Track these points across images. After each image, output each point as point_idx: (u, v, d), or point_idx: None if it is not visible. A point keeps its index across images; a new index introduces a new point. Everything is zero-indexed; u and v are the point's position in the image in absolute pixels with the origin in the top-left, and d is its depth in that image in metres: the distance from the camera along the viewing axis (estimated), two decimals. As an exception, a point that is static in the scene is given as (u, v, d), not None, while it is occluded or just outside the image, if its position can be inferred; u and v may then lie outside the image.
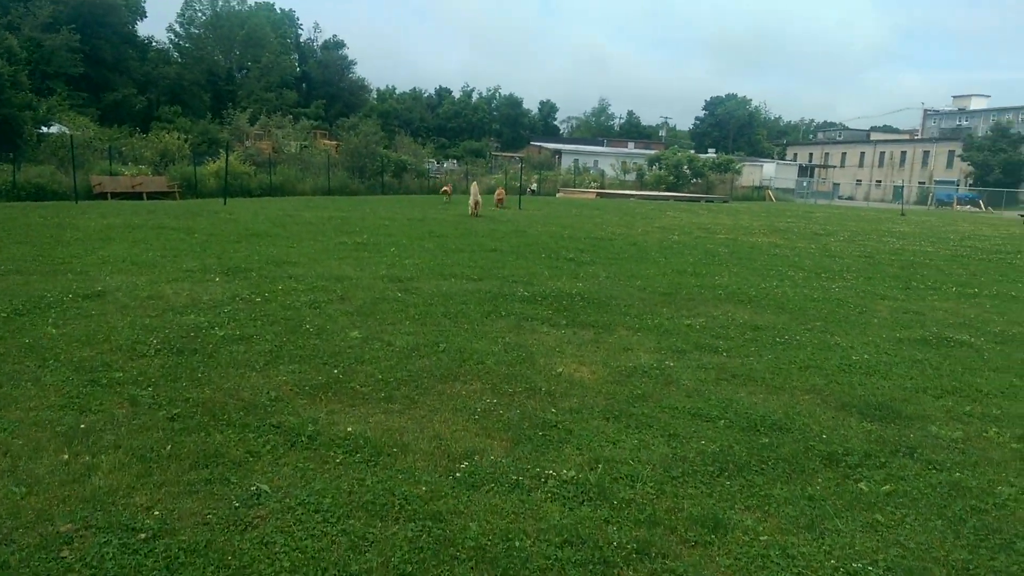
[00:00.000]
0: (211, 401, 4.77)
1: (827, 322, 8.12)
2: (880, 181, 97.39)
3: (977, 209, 66.03)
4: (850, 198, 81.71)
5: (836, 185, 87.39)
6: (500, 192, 27.80)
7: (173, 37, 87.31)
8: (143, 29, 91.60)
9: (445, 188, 32.14)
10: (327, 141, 61.17)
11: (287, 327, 6.72)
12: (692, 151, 66.10)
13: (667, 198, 43.06)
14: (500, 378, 5.51)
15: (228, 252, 11.79)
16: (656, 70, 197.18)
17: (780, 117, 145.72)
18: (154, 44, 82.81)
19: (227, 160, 25.95)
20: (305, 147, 43.74)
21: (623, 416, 4.82)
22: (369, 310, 7.58)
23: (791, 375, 5.94)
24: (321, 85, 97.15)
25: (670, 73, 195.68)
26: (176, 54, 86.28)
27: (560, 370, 5.78)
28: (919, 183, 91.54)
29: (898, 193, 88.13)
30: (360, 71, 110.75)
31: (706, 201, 44.92)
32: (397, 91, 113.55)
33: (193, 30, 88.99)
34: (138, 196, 26.83)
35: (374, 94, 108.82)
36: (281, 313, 7.27)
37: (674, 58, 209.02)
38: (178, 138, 34.01)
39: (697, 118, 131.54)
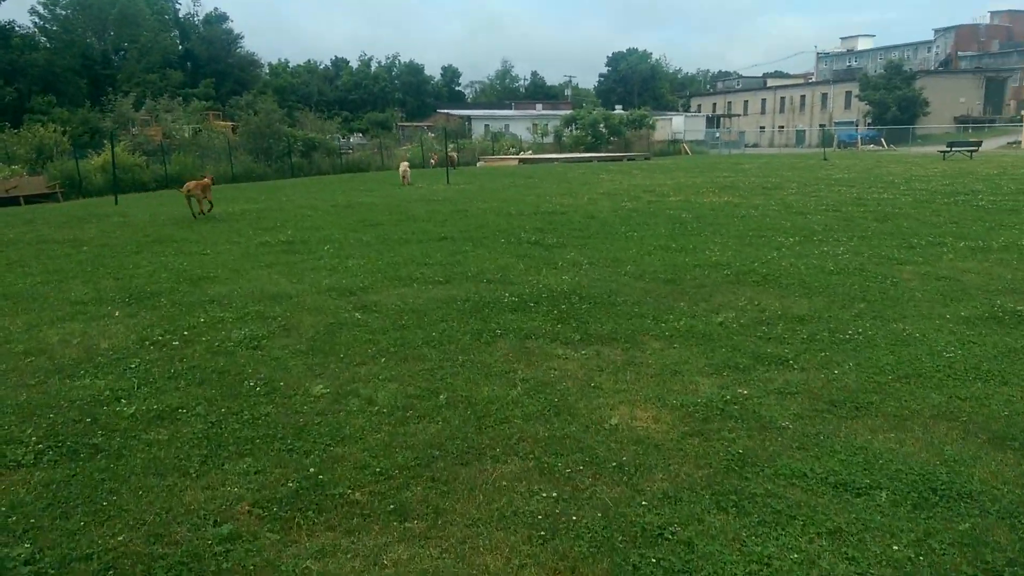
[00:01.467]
0: (125, 554, 3.05)
1: (869, 303, 6.89)
2: (783, 127, 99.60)
3: (880, 147, 67.87)
4: (755, 145, 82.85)
5: (742, 133, 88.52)
6: (404, 167, 25.67)
7: (37, 20, 79.82)
8: (1, 14, 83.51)
9: (192, 185, 16.67)
10: (222, 122, 57.18)
11: (223, 387, 4.95)
12: (603, 108, 65.13)
13: (590, 159, 41.92)
14: (541, 446, 3.97)
15: (127, 269, 9.69)
16: (554, 29, 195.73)
17: (680, 69, 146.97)
18: (17, 29, 75.41)
19: (113, 152, 22.95)
20: (199, 131, 40.35)
21: (741, 501, 3.37)
22: (326, 344, 5.85)
23: (899, 393, 4.63)
24: (208, 63, 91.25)
25: (568, 32, 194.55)
26: (44, 39, 78.96)
27: (614, 421, 4.28)
28: (820, 125, 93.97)
29: (800, 137, 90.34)
30: (248, 45, 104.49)
31: (628, 159, 44.05)
32: (291, 64, 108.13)
33: (59, 11, 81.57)
34: (14, 201, 23.61)
35: (266, 69, 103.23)
36: (210, 363, 5.47)
37: (571, 16, 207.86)
38: (55, 130, 30.37)
39: (601, 75, 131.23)
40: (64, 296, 8.04)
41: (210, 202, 16.50)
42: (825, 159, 36.22)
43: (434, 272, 8.74)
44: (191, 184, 16.30)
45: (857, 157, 42.18)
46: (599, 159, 42.39)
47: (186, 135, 39.08)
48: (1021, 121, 79.62)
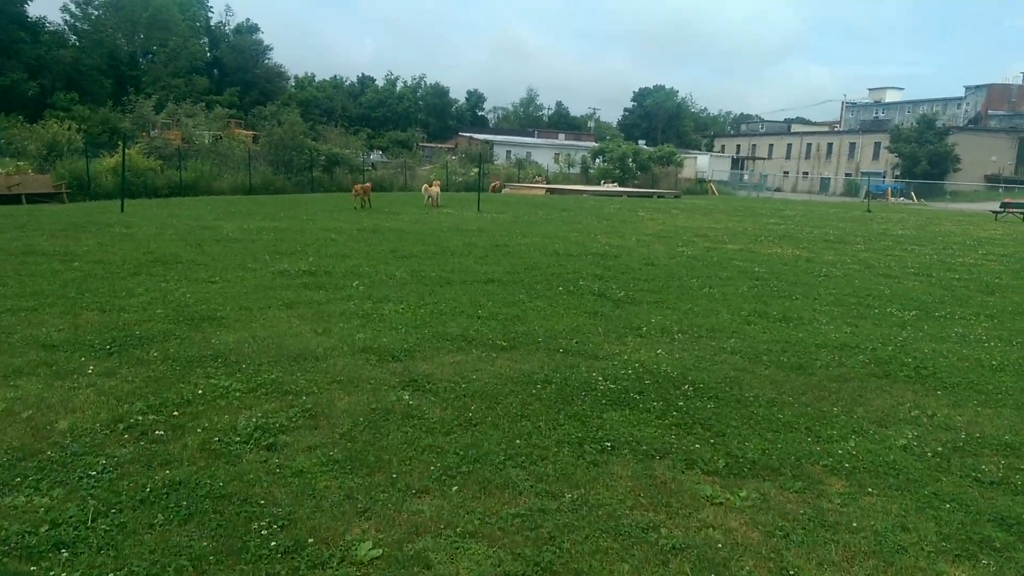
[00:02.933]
0: None
1: (1084, 423, 5.17)
2: (807, 173, 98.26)
3: (910, 201, 66.15)
4: (779, 190, 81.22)
5: (764, 176, 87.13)
6: (432, 189, 24.50)
7: (68, 18, 79.51)
8: (33, 9, 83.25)
9: (431, 186, 25.43)
10: (243, 131, 56.10)
11: (219, 533, 3.24)
12: (638, 143, 63.82)
13: (620, 194, 40.39)
14: None
15: (118, 297, 8.05)
16: (579, 62, 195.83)
17: (705, 109, 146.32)
18: (47, 25, 75.02)
19: (124, 154, 21.44)
20: (220, 138, 39.04)
21: None
22: (369, 450, 4.15)
23: None
24: (235, 71, 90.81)
25: (592, 65, 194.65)
26: (73, 37, 78.56)
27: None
28: (846, 174, 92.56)
29: (825, 185, 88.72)
30: (276, 57, 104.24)
31: (658, 196, 42.52)
32: (316, 79, 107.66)
33: (91, 11, 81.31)
34: (15, 199, 22.14)
35: (292, 82, 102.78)
36: (205, 476, 3.76)
37: (595, 50, 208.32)
38: (68, 128, 29.02)
39: (626, 109, 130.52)
40: (32, 333, 6.38)
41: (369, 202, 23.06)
42: (868, 211, 34.54)
43: (491, 331, 7.05)
44: (359, 187, 23.70)
45: (900, 210, 40.49)
46: (628, 194, 40.84)
47: (206, 141, 37.81)
48: (1054, 183, 78.05)
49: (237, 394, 4.93)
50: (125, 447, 4.08)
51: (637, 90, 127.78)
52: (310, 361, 5.81)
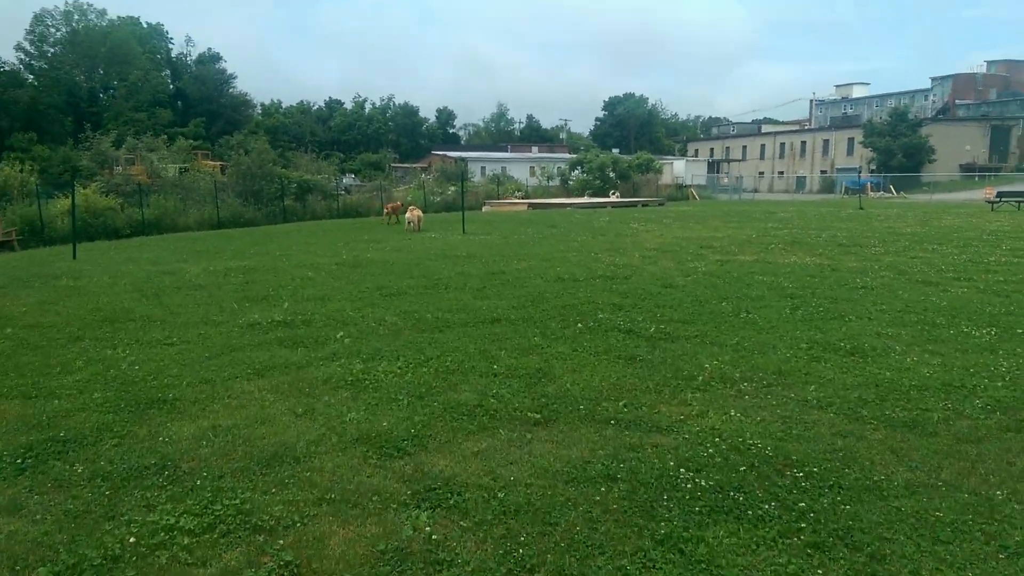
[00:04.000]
0: None
1: None
2: (783, 172, 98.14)
3: (889, 195, 65.70)
4: (755, 191, 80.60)
5: (739, 178, 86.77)
6: (415, 214, 23.16)
7: (24, 57, 77.33)
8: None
9: (390, 206, 28.49)
10: (210, 162, 54.42)
11: None
12: (612, 151, 62.85)
13: (604, 204, 39.20)
14: None
15: (49, 376, 6.55)
16: (545, 74, 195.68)
17: (676, 114, 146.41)
18: (2, 66, 72.75)
19: (74, 194, 19.73)
20: (185, 170, 37.37)
21: None
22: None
23: None
24: (199, 102, 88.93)
25: (559, 77, 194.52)
26: (30, 76, 76.31)
27: None
28: (821, 172, 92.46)
29: (801, 183, 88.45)
30: (241, 86, 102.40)
31: (643, 205, 41.43)
32: (283, 105, 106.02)
33: (47, 48, 79.19)
34: (-40, 250, 20.41)
35: (258, 109, 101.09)
36: None
37: (559, 62, 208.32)
38: (21, 170, 27.27)
39: (597, 119, 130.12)
40: (-76, 442, 4.89)
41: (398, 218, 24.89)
42: (862, 208, 33.61)
43: (515, 395, 5.65)
44: (389, 206, 27.07)
45: (890, 205, 39.68)
46: (613, 204, 39.68)
47: (171, 174, 36.13)
48: (1029, 169, 78.20)
49: (185, 540, 3.48)
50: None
51: (607, 99, 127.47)
52: (288, 465, 4.37)
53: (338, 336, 7.97)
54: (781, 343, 7.30)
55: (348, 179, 72.74)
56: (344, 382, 6.15)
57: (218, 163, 50.20)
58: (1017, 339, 7.39)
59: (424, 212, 24.92)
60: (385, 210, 27.96)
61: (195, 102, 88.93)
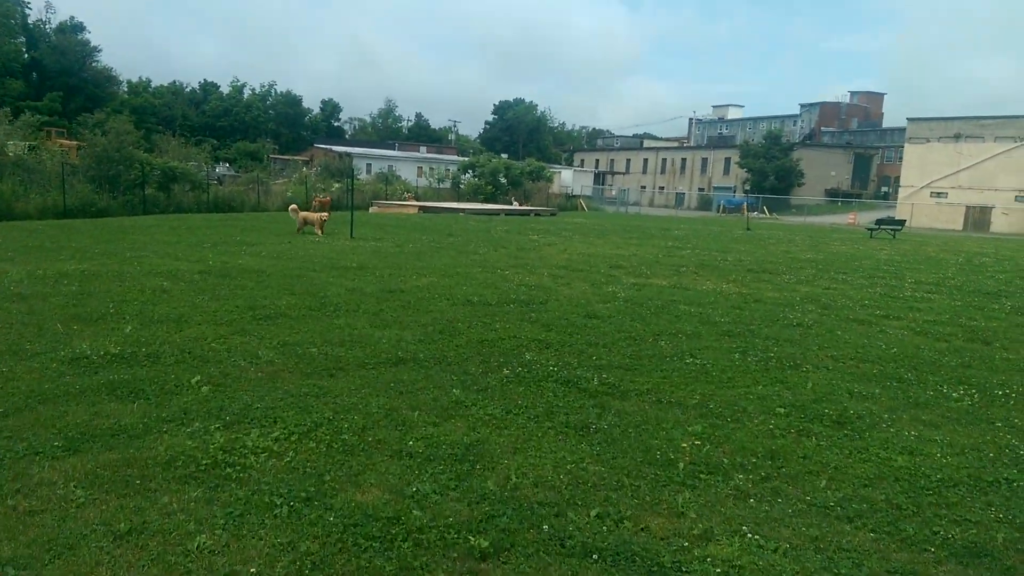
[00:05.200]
0: None
1: None
2: (663, 187, 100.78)
3: (763, 216, 68.43)
4: (636, 204, 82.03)
5: (624, 191, 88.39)
6: (316, 217, 20.61)
7: None
8: None
9: (318, 200, 29.26)
10: (65, 141, 49.00)
11: None
12: (501, 156, 61.84)
13: (497, 211, 37.94)
14: None
15: None
16: (434, 73, 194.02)
17: (563, 123, 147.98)
18: None
19: None
20: (33, 148, 32.86)
21: None
22: None
23: None
24: (57, 75, 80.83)
25: (448, 77, 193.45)
26: None
27: None
28: (699, 189, 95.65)
29: (680, 199, 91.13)
30: (106, 60, 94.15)
31: (535, 214, 40.52)
32: (153, 84, 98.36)
33: None
34: None
35: (124, 86, 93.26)
36: None
37: (449, 61, 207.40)
38: None
39: (487, 122, 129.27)
40: None
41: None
42: (749, 229, 34.05)
43: (446, 497, 4.05)
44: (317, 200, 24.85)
45: (774, 226, 40.70)
46: (507, 212, 38.50)
47: (17, 153, 31.62)
48: (885, 197, 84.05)
49: None
50: None
51: (498, 103, 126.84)
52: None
53: (193, 381, 6.06)
54: (751, 405, 6.07)
55: (222, 168, 68.01)
56: (196, 468, 4.34)
57: (75, 143, 45.13)
58: (1000, 404, 6.52)
59: (306, 210, 22.70)
60: (313, 205, 28.60)
61: (52, 74, 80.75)
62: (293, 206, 21.17)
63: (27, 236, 17.27)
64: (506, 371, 6.82)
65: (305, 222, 20.07)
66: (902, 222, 33.19)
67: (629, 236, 25.51)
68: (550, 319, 9.41)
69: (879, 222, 32.99)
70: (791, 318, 10.37)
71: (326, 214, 20.85)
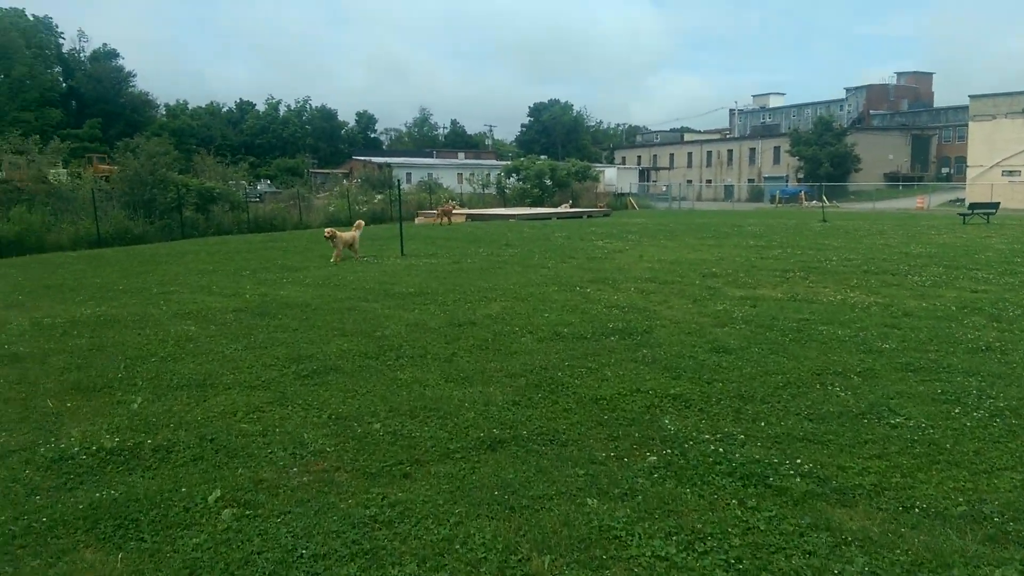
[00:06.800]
0: None
1: None
2: (710, 181, 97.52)
3: (822, 204, 65.10)
4: (684, 199, 79.19)
5: (667, 186, 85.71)
6: (349, 235, 17.14)
7: None
8: None
9: (441, 209, 31.03)
10: (105, 167, 48.47)
11: None
12: (540, 158, 59.76)
13: (548, 215, 35.90)
14: None
15: None
16: (466, 79, 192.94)
17: (601, 122, 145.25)
18: None
19: None
20: (75, 176, 31.85)
21: None
22: None
23: None
24: (95, 102, 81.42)
25: (480, 82, 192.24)
26: None
27: None
28: (748, 180, 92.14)
29: (729, 192, 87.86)
30: (142, 85, 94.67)
31: (587, 216, 38.36)
32: (190, 106, 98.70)
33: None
34: None
35: (162, 110, 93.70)
36: None
37: (478, 66, 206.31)
38: None
39: (523, 125, 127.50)
40: None
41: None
42: (824, 220, 31.40)
43: None
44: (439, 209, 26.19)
45: (854, 216, 37.80)
46: (558, 216, 36.44)
47: (61, 180, 30.63)
48: (948, 179, 79.73)
49: None
50: None
51: (533, 105, 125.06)
52: None
53: (211, 500, 4.16)
54: (1054, 512, 3.92)
55: (263, 185, 67.35)
56: None
57: (115, 167, 44.44)
58: None
59: (351, 224, 20.87)
60: (436, 211, 30.63)
61: (90, 102, 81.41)
62: (329, 229, 17.23)
63: (49, 272, 15.79)
64: (650, 456, 4.78)
65: (347, 245, 17.11)
66: (996, 204, 30.16)
67: (701, 236, 23.21)
68: (668, 357, 7.33)
69: (972, 206, 30.01)
70: (969, 339, 8.10)
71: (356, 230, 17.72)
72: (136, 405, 6.01)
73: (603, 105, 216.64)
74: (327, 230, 16.83)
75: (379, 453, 4.89)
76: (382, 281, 13.02)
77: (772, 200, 74.46)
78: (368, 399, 6.07)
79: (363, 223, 18.40)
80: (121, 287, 12.88)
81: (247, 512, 4.05)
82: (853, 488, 4.26)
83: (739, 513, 3.96)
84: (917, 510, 3.98)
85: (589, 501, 4.12)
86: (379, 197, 40.88)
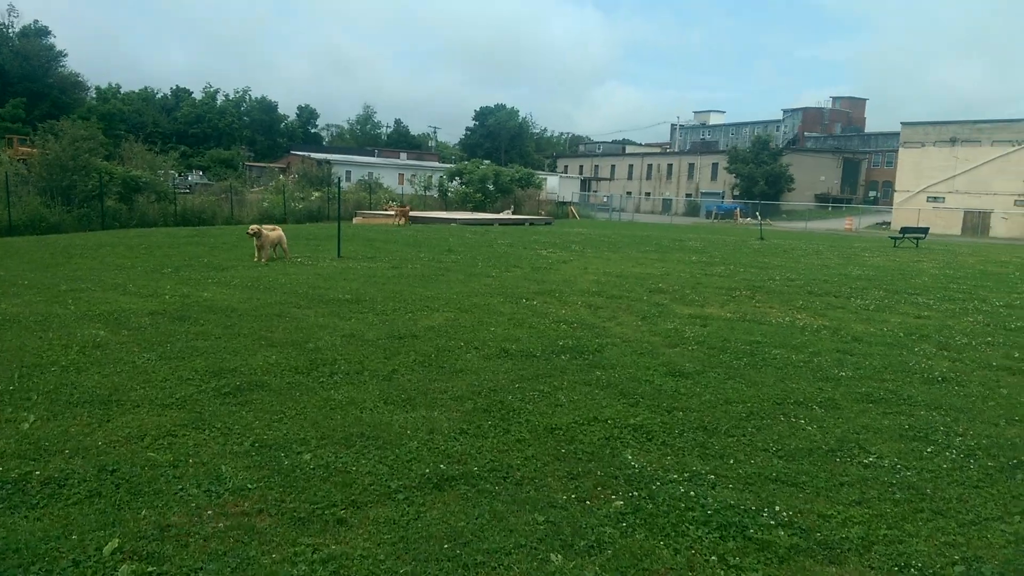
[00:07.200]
0: None
1: None
2: (649, 193, 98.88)
3: (755, 221, 66.56)
4: (622, 210, 79.86)
5: (608, 197, 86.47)
6: (272, 235, 15.90)
7: None
8: None
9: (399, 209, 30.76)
10: (27, 149, 45.71)
11: None
12: (491, 163, 59.31)
13: (491, 221, 35.40)
14: None
15: None
16: (411, 79, 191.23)
17: (545, 129, 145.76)
18: None
19: None
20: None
21: None
22: None
23: None
24: (20, 80, 77.04)
25: (425, 83, 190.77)
26: None
27: None
28: (686, 195, 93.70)
29: (668, 205, 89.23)
30: (73, 65, 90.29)
31: (530, 223, 38.04)
32: (123, 90, 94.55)
33: None
34: None
35: (92, 92, 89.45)
36: None
37: (426, 66, 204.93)
38: None
39: (468, 128, 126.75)
40: None
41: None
42: (762, 239, 31.83)
43: None
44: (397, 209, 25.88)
45: (788, 235, 38.58)
46: (500, 222, 35.98)
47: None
48: (875, 202, 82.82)
49: None
50: None
51: (479, 109, 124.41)
52: None
53: (107, 552, 3.49)
54: (1055, 574, 3.62)
55: (195, 176, 64.79)
56: None
57: (37, 150, 41.96)
58: None
59: (282, 221, 19.91)
60: (395, 212, 31.50)
61: (15, 80, 76.97)
62: (254, 226, 15.91)
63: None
64: (615, 500, 4.30)
65: (273, 246, 15.90)
66: (925, 229, 31.14)
67: (644, 249, 23.09)
68: (623, 381, 6.91)
69: (904, 230, 30.85)
70: (923, 368, 7.96)
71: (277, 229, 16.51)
72: (27, 425, 5.22)
73: (548, 112, 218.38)
74: (252, 227, 15.65)
75: (309, 492, 4.27)
76: (316, 285, 12.27)
77: (709, 215, 75.95)
78: (297, 423, 5.43)
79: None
80: (26, 282, 11.77)
81: (149, 569, 3.40)
82: (840, 542, 3.87)
83: (721, 573, 3.52)
84: (913, 570, 3.61)
85: (553, 557, 3.61)
86: (317, 194, 39.67)
